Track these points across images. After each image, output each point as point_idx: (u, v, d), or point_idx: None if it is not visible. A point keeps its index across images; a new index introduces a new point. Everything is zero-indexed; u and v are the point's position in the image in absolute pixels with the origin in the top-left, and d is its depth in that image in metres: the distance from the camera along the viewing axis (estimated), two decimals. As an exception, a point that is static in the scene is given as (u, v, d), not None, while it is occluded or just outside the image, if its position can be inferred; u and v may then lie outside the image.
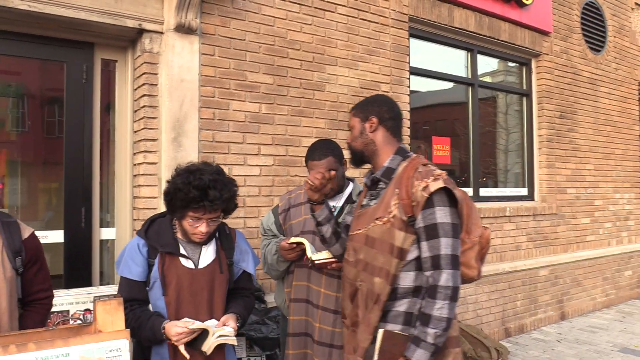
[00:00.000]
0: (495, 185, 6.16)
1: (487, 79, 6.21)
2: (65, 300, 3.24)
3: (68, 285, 3.34)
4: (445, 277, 1.75)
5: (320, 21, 4.23)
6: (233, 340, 2.07)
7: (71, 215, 3.44)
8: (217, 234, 2.29)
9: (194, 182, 2.03)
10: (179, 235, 2.21)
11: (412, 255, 1.84)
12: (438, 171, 1.85)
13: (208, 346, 2.02)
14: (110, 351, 1.77)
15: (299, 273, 2.55)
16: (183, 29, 3.46)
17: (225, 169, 3.63)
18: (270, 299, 3.57)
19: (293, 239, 2.40)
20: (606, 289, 6.94)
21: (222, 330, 2.03)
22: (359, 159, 2.10)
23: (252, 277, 2.39)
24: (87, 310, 3.03)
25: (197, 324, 2.01)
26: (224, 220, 2.28)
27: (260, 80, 3.88)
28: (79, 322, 2.83)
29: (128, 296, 2.11)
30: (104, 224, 3.62)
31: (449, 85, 5.73)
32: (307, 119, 4.11)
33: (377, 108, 2.05)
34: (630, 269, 7.34)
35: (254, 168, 3.83)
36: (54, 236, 3.39)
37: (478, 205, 5.44)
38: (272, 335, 3.36)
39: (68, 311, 3.23)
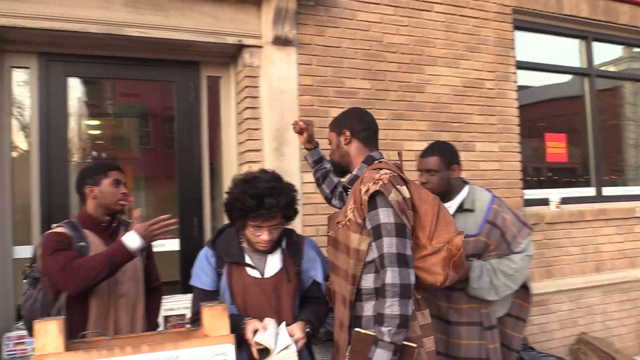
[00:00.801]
0: (624, 184, 5.57)
1: (611, 68, 5.66)
2: (182, 304, 3.47)
3: (184, 291, 3.54)
4: (390, 275, 1.79)
5: (416, 21, 4.13)
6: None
7: (185, 225, 3.66)
8: (284, 242, 2.25)
9: (249, 191, 2.02)
10: (244, 244, 2.19)
11: (370, 256, 1.90)
12: (380, 175, 1.90)
13: None
14: (217, 355, 1.81)
15: None
16: (280, 41, 3.55)
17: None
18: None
19: None
20: None
21: (283, 353, 1.92)
22: (339, 170, 2.24)
23: (322, 286, 2.28)
24: (201, 314, 3.20)
25: (264, 337, 1.94)
26: (288, 227, 2.25)
27: (358, 85, 3.87)
28: (188, 326, 3.00)
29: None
30: (215, 232, 3.80)
31: (562, 77, 5.30)
32: (407, 122, 4.02)
33: (349, 121, 2.16)
34: None
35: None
36: (171, 245, 3.62)
37: (601, 206, 4.97)
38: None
39: (184, 315, 3.44)
